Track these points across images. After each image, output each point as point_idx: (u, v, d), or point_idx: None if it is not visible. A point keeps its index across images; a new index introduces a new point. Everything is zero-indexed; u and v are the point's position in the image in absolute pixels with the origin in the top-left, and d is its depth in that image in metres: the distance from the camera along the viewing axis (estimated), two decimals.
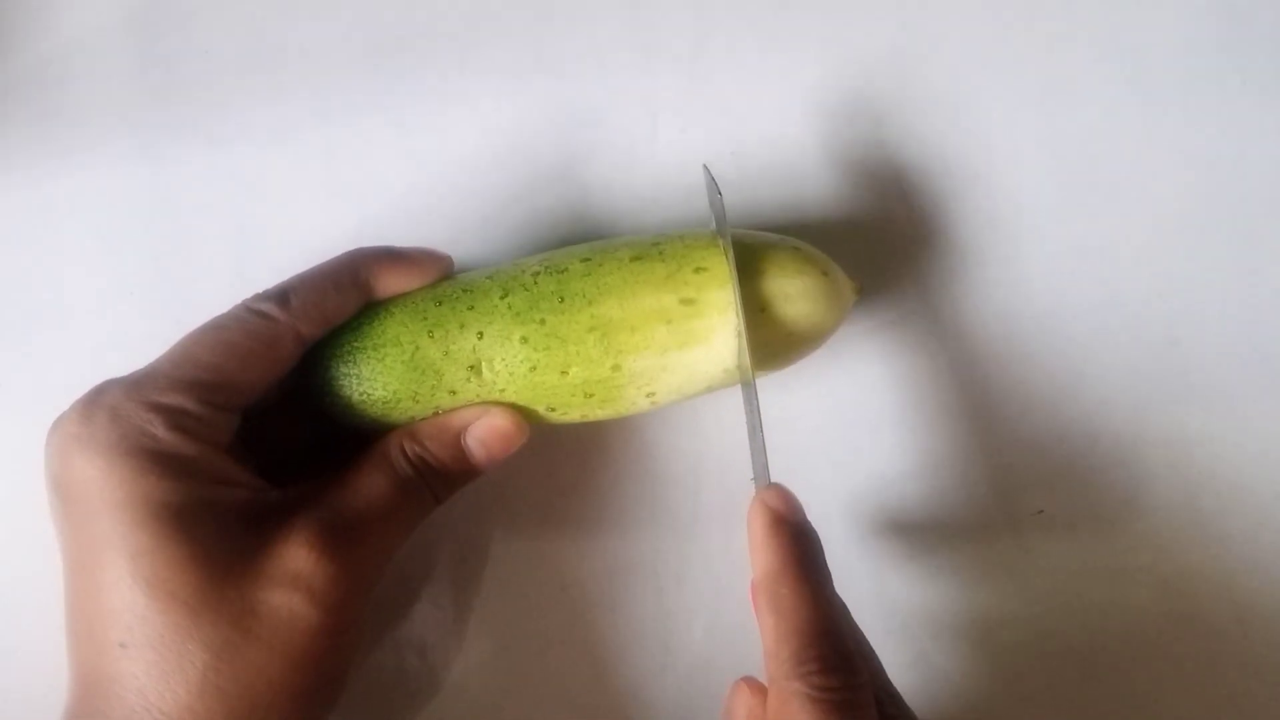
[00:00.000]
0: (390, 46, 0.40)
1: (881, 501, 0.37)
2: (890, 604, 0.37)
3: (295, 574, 0.28)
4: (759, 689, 0.29)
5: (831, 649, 0.27)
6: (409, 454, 0.32)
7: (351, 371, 0.32)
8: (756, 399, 0.32)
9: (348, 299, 0.32)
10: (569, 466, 0.38)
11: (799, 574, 0.29)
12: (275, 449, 0.33)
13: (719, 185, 0.34)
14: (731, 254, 0.32)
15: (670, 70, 0.40)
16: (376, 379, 0.32)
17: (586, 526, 0.37)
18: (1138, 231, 0.39)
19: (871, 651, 0.31)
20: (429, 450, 0.32)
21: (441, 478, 0.32)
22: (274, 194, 0.39)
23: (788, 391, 0.37)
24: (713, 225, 0.33)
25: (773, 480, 0.31)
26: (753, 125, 0.39)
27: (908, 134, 0.39)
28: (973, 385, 0.38)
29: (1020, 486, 0.37)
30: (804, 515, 0.30)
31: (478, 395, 0.32)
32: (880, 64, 0.40)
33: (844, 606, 0.30)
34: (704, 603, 0.37)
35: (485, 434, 0.32)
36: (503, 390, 0.32)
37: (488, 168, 0.39)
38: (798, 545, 0.29)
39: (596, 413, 0.33)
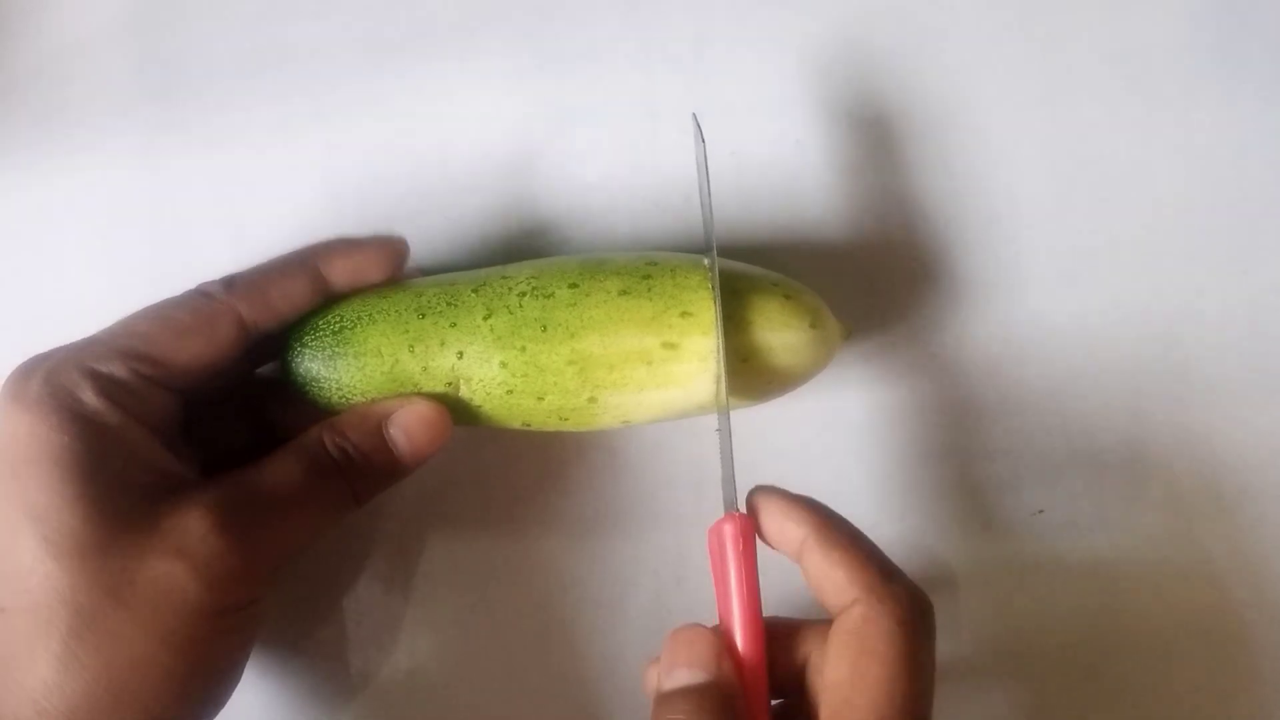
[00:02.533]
0: (390, 46, 0.40)
1: (881, 502, 0.37)
2: None
3: (181, 544, 0.27)
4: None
5: (906, 578, 0.28)
6: (327, 443, 0.31)
7: (332, 376, 0.32)
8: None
9: (295, 285, 0.31)
10: (569, 467, 0.38)
11: (833, 521, 0.29)
12: (232, 461, 0.32)
13: (703, 134, 0.33)
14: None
15: (670, 70, 0.40)
16: (356, 387, 0.32)
17: (586, 526, 0.37)
18: (1138, 231, 0.39)
19: None
20: (349, 440, 0.31)
21: (363, 472, 0.31)
22: (274, 194, 0.39)
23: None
24: (706, 260, 0.33)
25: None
26: (753, 125, 0.39)
27: (907, 133, 0.39)
28: (972, 385, 0.38)
29: (1020, 486, 0.37)
30: None
31: (453, 408, 0.32)
32: (880, 63, 0.40)
33: None
34: (704, 603, 0.37)
35: (408, 422, 0.31)
36: (479, 406, 0.32)
37: (488, 168, 0.39)
38: (814, 505, 0.30)
39: (570, 430, 0.33)
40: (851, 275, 0.38)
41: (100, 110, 0.40)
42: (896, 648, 0.26)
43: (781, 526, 0.29)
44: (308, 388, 0.32)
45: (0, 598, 0.27)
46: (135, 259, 0.39)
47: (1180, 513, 0.37)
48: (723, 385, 0.31)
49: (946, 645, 0.36)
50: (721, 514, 0.31)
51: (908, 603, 0.27)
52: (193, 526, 0.28)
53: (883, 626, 0.26)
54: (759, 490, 0.30)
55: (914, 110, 0.39)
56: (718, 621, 0.30)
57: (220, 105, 0.40)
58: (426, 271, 0.37)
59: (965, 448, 0.37)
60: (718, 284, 0.31)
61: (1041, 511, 0.37)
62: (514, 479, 0.37)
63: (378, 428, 0.31)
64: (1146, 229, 0.39)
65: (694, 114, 0.34)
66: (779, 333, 0.32)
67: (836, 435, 0.38)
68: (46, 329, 0.38)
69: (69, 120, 0.40)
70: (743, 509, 0.31)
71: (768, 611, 0.30)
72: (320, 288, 0.32)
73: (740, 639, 0.29)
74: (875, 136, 0.39)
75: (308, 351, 0.32)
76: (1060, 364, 0.38)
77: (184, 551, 0.27)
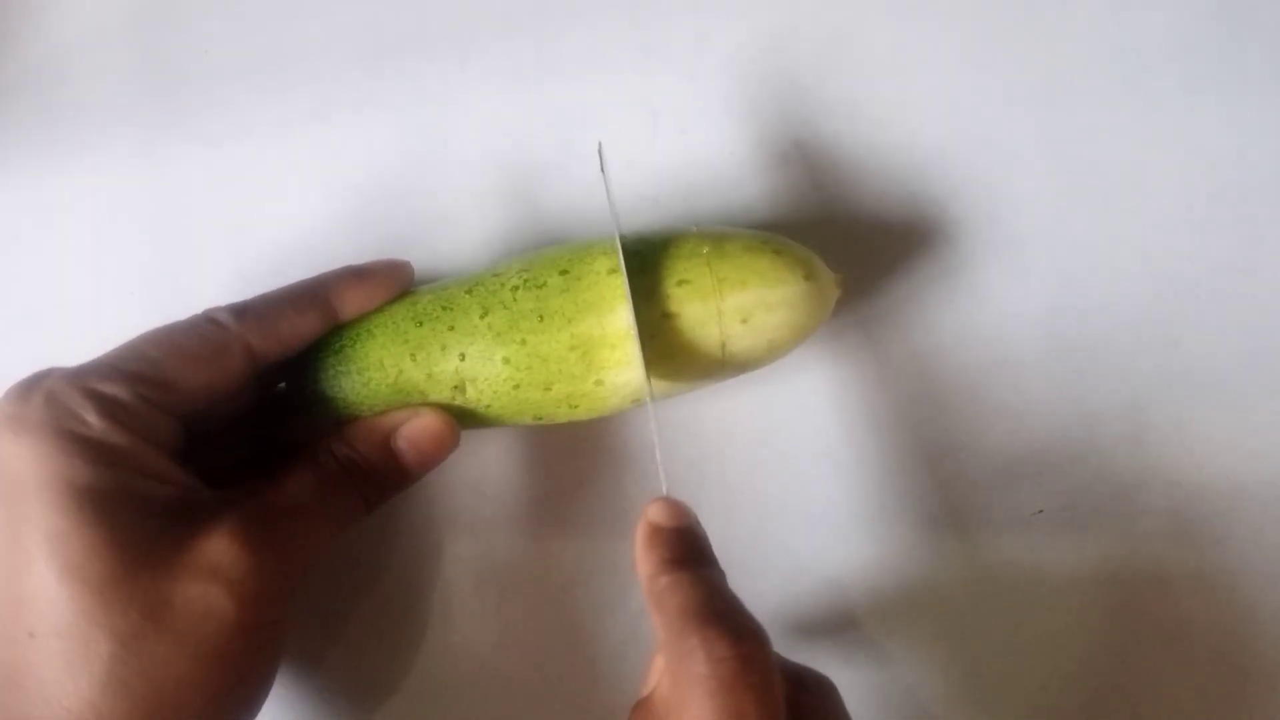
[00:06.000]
0: (390, 46, 0.40)
1: (879, 501, 0.37)
2: (888, 604, 0.37)
3: (214, 565, 0.28)
4: None
5: (716, 619, 0.25)
6: (338, 455, 0.32)
7: (337, 395, 0.32)
8: (655, 420, 0.31)
9: (306, 318, 0.32)
10: (569, 466, 0.38)
11: (675, 564, 0.28)
12: (237, 476, 0.32)
13: (604, 163, 0.33)
14: (623, 261, 0.31)
15: (670, 70, 0.40)
16: (363, 403, 0.32)
17: (586, 527, 0.37)
18: (1138, 231, 0.39)
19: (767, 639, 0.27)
20: (358, 451, 0.32)
21: (372, 480, 0.32)
22: (274, 194, 0.39)
23: (785, 387, 0.37)
24: (695, 228, 0.33)
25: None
26: (752, 125, 0.39)
27: (907, 134, 0.39)
28: (971, 385, 0.38)
29: (1020, 486, 0.37)
30: (689, 519, 0.30)
31: (462, 410, 0.32)
32: (880, 64, 0.40)
33: (731, 593, 0.28)
34: None
35: (415, 434, 0.32)
36: (488, 406, 0.32)
37: (488, 167, 0.39)
38: (672, 543, 0.29)
39: (582, 417, 0.33)
40: (850, 274, 0.38)
41: (100, 110, 0.40)
42: (700, 708, 0.24)
43: (639, 560, 0.29)
44: (315, 408, 0.32)
45: (26, 623, 0.26)
46: (135, 259, 0.39)
47: (1180, 512, 0.37)
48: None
49: (947, 644, 0.37)
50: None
51: (704, 656, 0.24)
52: (222, 546, 0.28)
53: (680, 691, 0.25)
54: (645, 509, 0.30)
55: (914, 111, 0.39)
56: None
57: (220, 105, 0.40)
58: (427, 271, 0.37)
59: (964, 447, 0.37)
60: (631, 307, 0.31)
61: (1041, 511, 0.37)
62: (514, 480, 0.37)
63: (386, 440, 0.32)
64: (1147, 229, 0.39)
65: (599, 143, 0.34)
66: (774, 288, 0.32)
67: (834, 435, 0.38)
68: (47, 329, 0.39)
69: (69, 120, 0.40)
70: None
71: None
72: (330, 320, 0.32)
73: None
74: (875, 138, 0.39)
75: (310, 374, 0.32)
76: (1060, 364, 0.38)
77: (217, 572, 0.28)
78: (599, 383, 0.32)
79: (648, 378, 0.31)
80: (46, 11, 0.40)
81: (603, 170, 0.33)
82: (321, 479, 0.31)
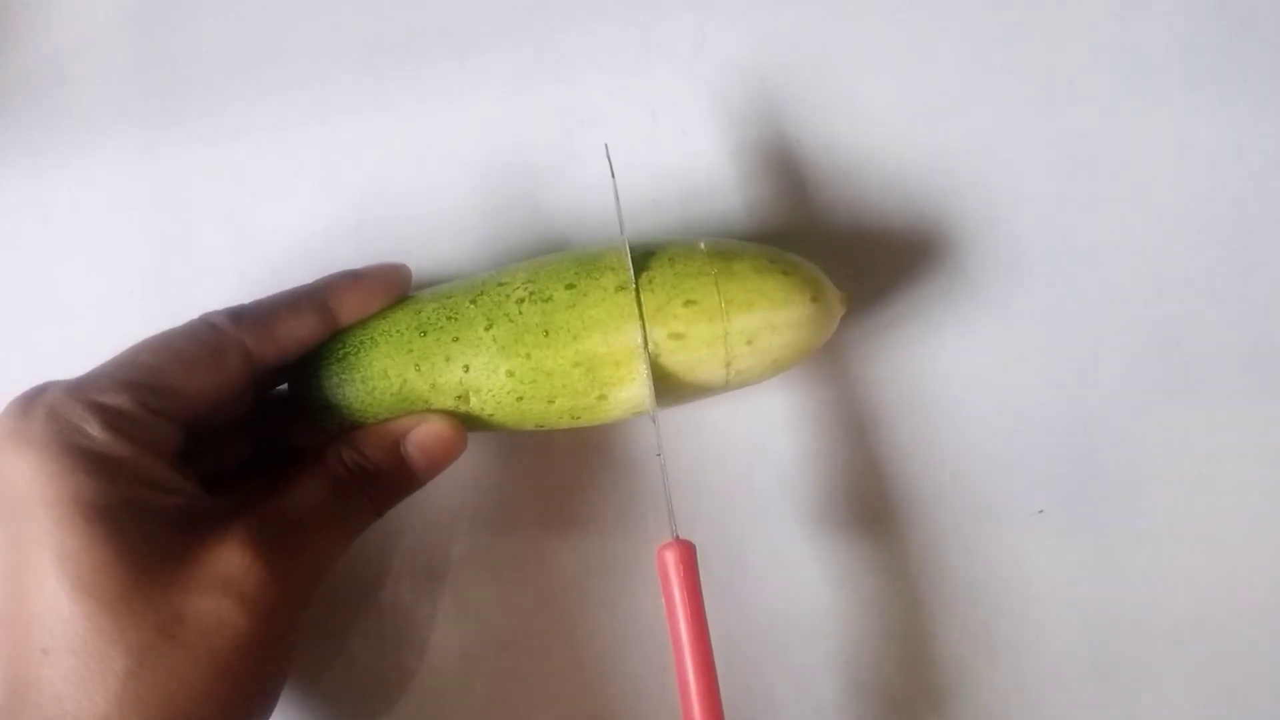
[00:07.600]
0: (390, 46, 0.40)
1: (879, 500, 0.37)
2: (889, 604, 0.37)
3: (226, 578, 0.27)
4: None
5: None
6: (347, 461, 0.31)
7: (341, 403, 0.32)
8: (660, 437, 0.32)
9: (303, 321, 0.31)
10: (569, 467, 0.38)
11: None
12: (237, 482, 0.32)
13: (613, 167, 0.33)
14: (634, 277, 0.31)
15: (670, 70, 0.40)
16: (366, 410, 0.32)
17: (586, 527, 0.37)
18: (1138, 231, 0.39)
19: None
20: (367, 457, 0.31)
21: (381, 486, 0.32)
22: (274, 194, 0.39)
23: (786, 387, 0.37)
24: (703, 244, 0.33)
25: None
26: (753, 125, 0.39)
27: (907, 133, 0.39)
28: (971, 384, 0.38)
29: (1020, 486, 0.37)
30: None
31: (465, 417, 0.32)
32: (880, 63, 0.40)
33: None
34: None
35: (425, 439, 0.32)
36: (491, 415, 0.32)
37: (488, 168, 0.39)
38: None
39: (583, 426, 0.33)
40: (850, 274, 0.38)
41: (100, 110, 0.40)
42: None
43: None
44: (318, 416, 0.32)
45: (38, 640, 0.26)
46: (135, 259, 0.39)
47: (1180, 512, 0.37)
48: (658, 425, 0.32)
49: (947, 643, 0.37)
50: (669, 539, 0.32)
51: None
52: (234, 559, 0.28)
53: None
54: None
55: (913, 111, 0.39)
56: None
57: (220, 104, 0.40)
58: (426, 271, 0.37)
59: (964, 447, 0.37)
60: (641, 308, 0.31)
61: (1041, 511, 0.37)
62: (515, 480, 0.37)
63: (395, 445, 0.32)
64: (1146, 229, 0.39)
65: (606, 145, 0.34)
66: (781, 310, 0.32)
67: (835, 433, 0.38)
68: (46, 329, 0.39)
69: (69, 120, 0.40)
70: (682, 535, 0.31)
71: (716, 638, 0.30)
72: (328, 324, 0.32)
73: (689, 665, 0.29)
74: (875, 137, 0.39)
75: (314, 380, 0.32)
76: (1060, 363, 0.38)
77: (230, 586, 0.27)
78: (602, 397, 0.32)
79: (652, 396, 0.31)
80: (46, 11, 0.40)
81: (612, 174, 0.33)
82: (332, 486, 0.31)
